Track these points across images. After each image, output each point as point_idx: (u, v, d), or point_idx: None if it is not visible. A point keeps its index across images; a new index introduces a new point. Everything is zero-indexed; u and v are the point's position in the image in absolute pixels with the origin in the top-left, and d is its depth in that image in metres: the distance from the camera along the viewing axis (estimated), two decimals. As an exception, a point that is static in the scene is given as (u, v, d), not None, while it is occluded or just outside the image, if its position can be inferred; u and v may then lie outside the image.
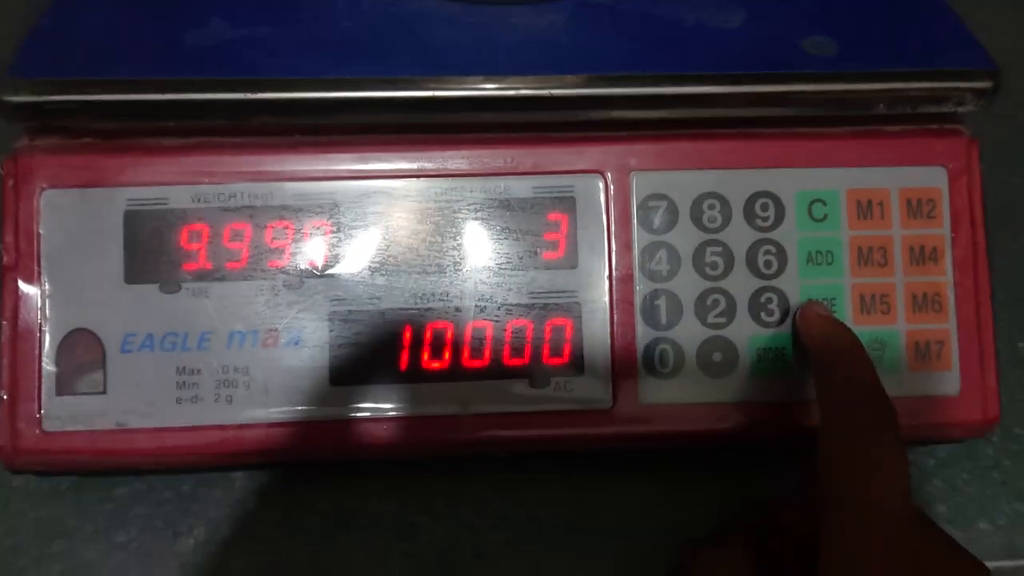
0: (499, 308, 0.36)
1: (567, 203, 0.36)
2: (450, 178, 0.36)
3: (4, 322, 0.35)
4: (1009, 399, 0.42)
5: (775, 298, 0.37)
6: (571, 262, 0.36)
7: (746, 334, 0.36)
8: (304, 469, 0.39)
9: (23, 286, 0.35)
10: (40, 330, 0.35)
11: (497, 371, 0.36)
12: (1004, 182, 0.50)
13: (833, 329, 0.34)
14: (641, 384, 0.36)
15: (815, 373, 0.34)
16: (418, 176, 0.36)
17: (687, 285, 0.36)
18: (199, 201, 0.35)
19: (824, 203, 0.37)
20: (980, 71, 0.36)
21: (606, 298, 0.36)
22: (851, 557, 0.29)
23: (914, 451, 0.41)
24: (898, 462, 0.30)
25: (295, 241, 0.36)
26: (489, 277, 0.36)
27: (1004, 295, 0.46)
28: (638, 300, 0.36)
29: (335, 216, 0.36)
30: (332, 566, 0.37)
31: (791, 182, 0.37)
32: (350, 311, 0.35)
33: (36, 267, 0.35)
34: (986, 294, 0.37)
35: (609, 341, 0.36)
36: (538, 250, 0.36)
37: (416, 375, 0.35)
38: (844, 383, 0.32)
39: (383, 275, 0.36)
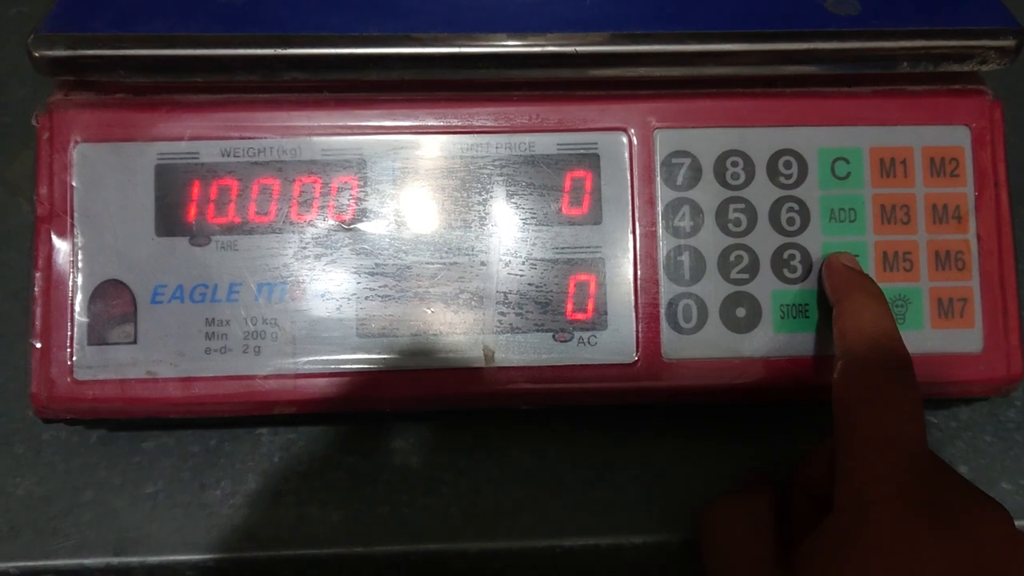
0: (524, 263, 0.36)
1: (591, 160, 0.37)
2: (476, 134, 0.37)
3: (38, 273, 0.35)
4: (1033, 364, 0.42)
5: (798, 254, 0.37)
6: (595, 218, 0.37)
7: (768, 290, 0.37)
8: (330, 425, 0.39)
9: (56, 238, 0.35)
10: (72, 281, 0.35)
11: (522, 325, 0.36)
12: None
13: (857, 278, 0.35)
14: (664, 339, 0.36)
15: (835, 320, 0.34)
16: (444, 132, 0.37)
17: (710, 241, 0.37)
18: (229, 155, 0.36)
19: (847, 161, 0.37)
20: (1003, 29, 0.36)
21: (630, 254, 0.36)
22: (866, 494, 0.29)
23: (937, 414, 0.41)
24: (912, 402, 0.30)
25: (323, 195, 0.36)
26: (514, 232, 0.36)
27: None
28: (661, 256, 0.36)
29: (362, 171, 0.36)
30: (357, 520, 0.37)
31: (814, 140, 0.37)
32: (376, 264, 0.36)
33: (69, 219, 0.35)
34: (1009, 253, 0.37)
35: (632, 296, 0.36)
36: (562, 206, 0.36)
37: (442, 328, 0.36)
38: (863, 329, 0.32)
39: (409, 229, 0.36)
